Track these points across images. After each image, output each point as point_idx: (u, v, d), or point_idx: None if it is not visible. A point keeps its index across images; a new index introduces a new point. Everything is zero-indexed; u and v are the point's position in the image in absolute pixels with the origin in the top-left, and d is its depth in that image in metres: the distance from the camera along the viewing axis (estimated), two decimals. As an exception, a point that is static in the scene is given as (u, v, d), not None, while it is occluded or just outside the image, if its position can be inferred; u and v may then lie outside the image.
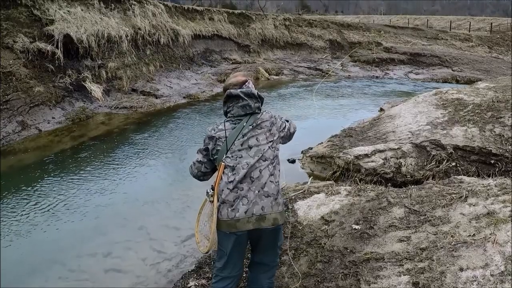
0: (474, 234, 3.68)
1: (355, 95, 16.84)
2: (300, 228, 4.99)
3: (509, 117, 7.37)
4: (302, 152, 8.95)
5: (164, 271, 5.03)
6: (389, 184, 6.57)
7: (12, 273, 4.94)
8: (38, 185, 7.41)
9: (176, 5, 22.16)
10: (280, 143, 3.74)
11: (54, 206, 6.59)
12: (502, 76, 15.28)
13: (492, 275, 3.11)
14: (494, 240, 3.46)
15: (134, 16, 17.14)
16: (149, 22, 17.66)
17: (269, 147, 3.47)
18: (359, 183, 6.53)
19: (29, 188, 7.27)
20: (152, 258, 5.28)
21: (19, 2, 12.94)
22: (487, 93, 8.88)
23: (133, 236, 5.78)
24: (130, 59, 15.86)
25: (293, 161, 8.58)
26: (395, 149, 7.32)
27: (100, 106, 13.16)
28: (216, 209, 3.33)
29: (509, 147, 6.76)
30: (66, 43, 13.22)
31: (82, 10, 14.71)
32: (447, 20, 55.45)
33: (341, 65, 24.17)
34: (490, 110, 7.84)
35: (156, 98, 14.82)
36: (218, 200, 3.36)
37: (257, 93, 3.63)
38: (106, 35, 14.84)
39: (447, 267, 3.38)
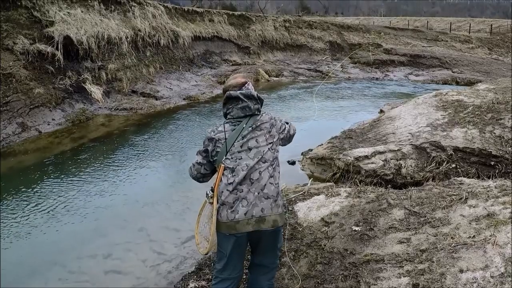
0: (474, 236, 3.68)
1: (355, 96, 16.84)
2: (300, 229, 4.99)
3: (509, 119, 7.37)
4: (302, 153, 8.95)
5: (164, 272, 5.03)
6: (389, 185, 6.57)
7: (12, 275, 4.93)
8: (38, 187, 7.41)
9: (176, 6, 22.17)
10: (279, 145, 3.74)
11: (54, 208, 6.59)
12: (502, 78, 15.29)
13: (492, 277, 3.11)
14: (494, 242, 3.46)
15: (134, 17, 17.16)
16: (149, 24, 17.68)
17: (268, 148, 3.47)
18: (359, 184, 6.53)
19: (29, 190, 7.27)
20: (152, 260, 5.28)
21: (19, 3, 12.95)
22: (487, 95, 8.88)
23: (133, 238, 5.78)
24: (130, 61, 15.86)
25: (293, 163, 8.58)
26: (395, 150, 7.32)
27: (100, 107, 13.17)
28: (216, 210, 3.33)
29: (509, 148, 6.76)
30: (66, 45, 13.23)
31: (82, 11, 14.72)
32: (447, 22, 55.53)
33: (341, 67, 24.18)
34: (490, 111, 7.84)
35: (156, 99, 14.83)
36: (217, 202, 3.36)
37: (257, 94, 3.63)
38: (106, 36, 14.85)
39: (447, 269, 3.38)
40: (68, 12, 14.19)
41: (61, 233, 5.91)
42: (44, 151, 9.46)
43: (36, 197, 6.98)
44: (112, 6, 16.51)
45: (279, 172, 3.55)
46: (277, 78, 21.07)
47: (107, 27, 15.19)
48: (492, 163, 6.71)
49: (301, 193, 6.03)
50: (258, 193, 3.31)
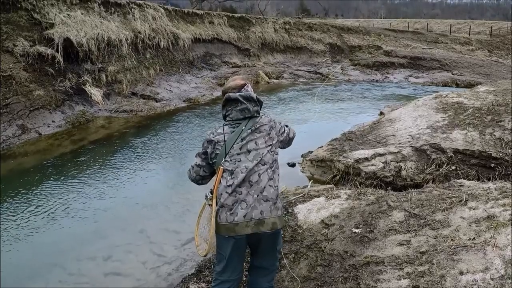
0: (474, 238, 3.68)
1: (355, 98, 16.85)
2: (300, 231, 4.99)
3: (509, 121, 7.38)
4: (302, 155, 8.95)
5: (164, 274, 5.03)
6: (389, 187, 6.57)
7: (12, 276, 4.93)
8: (38, 189, 7.41)
9: (176, 8, 22.19)
10: (279, 147, 3.74)
11: (54, 210, 6.59)
12: (502, 80, 15.32)
13: (492, 279, 3.11)
14: (494, 244, 3.46)
15: (134, 19, 17.16)
16: (149, 26, 17.68)
17: (268, 151, 3.47)
18: (359, 186, 6.52)
19: (29, 192, 7.26)
20: (152, 262, 5.28)
21: (19, 5, 12.96)
22: (487, 97, 8.89)
23: (133, 240, 5.78)
24: (130, 63, 15.86)
25: (293, 165, 8.58)
26: (395, 152, 7.32)
27: (100, 109, 13.16)
28: (215, 212, 3.34)
29: (509, 150, 6.76)
30: (66, 47, 13.23)
31: (82, 13, 14.72)
32: (447, 24, 55.57)
33: (341, 69, 24.19)
34: (490, 113, 7.85)
35: (156, 101, 14.83)
36: (217, 204, 3.36)
37: (256, 96, 3.63)
38: (106, 38, 14.85)
39: (447, 271, 3.38)
40: (68, 14, 14.19)
41: (61, 235, 5.91)
42: (44, 153, 9.45)
43: (36, 199, 6.98)
44: (112, 8, 16.52)
45: (278, 175, 3.55)
46: (277, 80, 21.07)
47: (107, 29, 15.19)
48: (492, 165, 6.71)
49: (301, 195, 6.03)
50: (258, 196, 3.31)
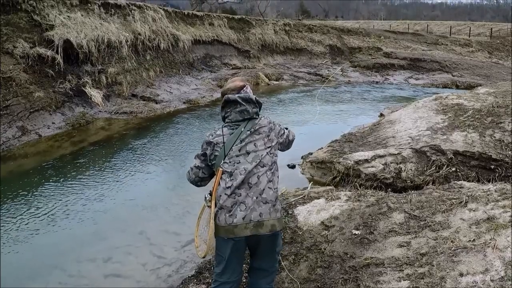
0: (474, 240, 3.68)
1: (355, 100, 16.85)
2: (300, 233, 4.99)
3: (509, 123, 7.38)
4: (302, 157, 8.95)
5: (164, 276, 5.02)
6: (389, 189, 6.57)
7: (12, 278, 4.93)
8: (38, 191, 7.41)
9: (176, 10, 22.22)
10: (278, 149, 3.74)
11: (54, 212, 6.58)
12: (502, 82, 15.31)
13: (492, 280, 3.11)
14: (494, 246, 3.46)
15: (134, 21, 17.18)
16: (149, 28, 17.69)
17: (267, 153, 3.47)
18: (359, 188, 6.51)
19: (29, 194, 7.26)
20: (152, 263, 5.28)
21: (19, 7, 12.96)
22: (487, 99, 8.89)
23: (133, 241, 5.77)
24: (130, 64, 15.87)
25: (293, 166, 8.58)
26: (395, 154, 7.32)
27: (100, 111, 13.17)
28: (214, 214, 3.34)
29: (509, 152, 6.76)
30: (66, 48, 13.24)
31: (82, 15, 14.74)
32: (447, 26, 55.61)
33: (341, 71, 24.20)
34: (490, 115, 7.85)
35: (156, 103, 14.83)
36: (216, 206, 3.36)
37: (255, 98, 3.63)
38: (106, 40, 14.86)
39: (447, 272, 3.38)
40: (68, 16, 14.21)
41: (61, 237, 5.91)
42: (44, 155, 9.45)
43: (36, 201, 6.98)
44: (112, 10, 16.53)
45: (278, 177, 3.55)
46: (277, 82, 21.07)
47: (107, 31, 15.21)
48: (492, 166, 6.71)
49: (301, 196, 6.02)
50: (257, 198, 3.31)
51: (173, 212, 6.68)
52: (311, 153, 8.95)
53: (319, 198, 5.83)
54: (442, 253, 3.65)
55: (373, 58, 26.44)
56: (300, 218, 5.33)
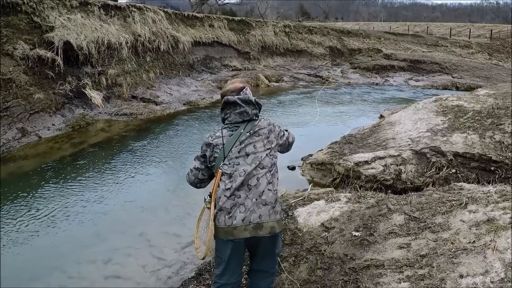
0: (474, 241, 3.68)
1: (355, 102, 16.86)
2: (300, 235, 4.99)
3: (509, 124, 7.38)
4: (302, 159, 8.95)
5: (164, 278, 5.02)
6: (389, 191, 6.57)
7: (12, 279, 4.93)
8: (38, 192, 7.41)
9: (176, 12, 22.23)
10: (278, 151, 3.73)
11: (54, 213, 6.58)
12: (502, 83, 15.29)
13: (492, 282, 3.11)
14: (494, 247, 3.46)
15: (134, 23, 17.18)
16: (149, 29, 17.70)
17: (266, 154, 3.46)
18: (359, 190, 6.52)
19: (29, 195, 7.26)
20: (152, 265, 5.27)
21: (19, 9, 12.96)
22: (487, 100, 8.89)
23: (133, 243, 5.77)
24: (130, 66, 15.88)
25: (293, 168, 8.58)
26: (395, 156, 7.32)
27: (100, 113, 13.17)
28: (213, 216, 3.34)
29: (509, 154, 6.76)
30: (66, 50, 13.24)
31: (82, 17, 14.74)
32: (447, 27, 55.63)
33: (341, 72, 24.21)
34: (490, 117, 7.85)
35: (156, 105, 14.84)
36: (215, 207, 3.36)
37: (255, 99, 3.63)
38: (106, 42, 14.87)
39: (447, 274, 3.38)
40: (68, 18, 14.21)
41: (61, 238, 5.91)
42: (44, 157, 9.45)
43: (36, 203, 6.97)
44: (112, 11, 16.54)
45: (277, 179, 3.55)
46: (277, 83, 21.09)
47: (107, 32, 15.21)
48: (492, 168, 6.71)
49: (301, 198, 6.02)
50: (256, 200, 3.31)
51: (173, 214, 6.68)
52: (311, 155, 8.95)
53: (319, 200, 5.83)
54: (442, 254, 3.65)
55: (373, 60, 26.44)
56: (300, 220, 5.32)
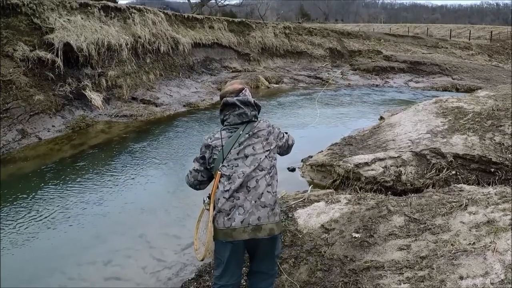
0: (474, 243, 3.68)
1: (355, 103, 16.86)
2: (300, 236, 4.99)
3: (509, 126, 7.38)
4: (302, 160, 8.95)
5: (164, 279, 5.02)
6: (389, 192, 6.56)
7: (12, 280, 4.92)
8: (38, 194, 7.40)
9: (176, 13, 22.25)
10: (277, 153, 3.73)
11: (54, 215, 6.58)
12: (502, 85, 15.30)
13: (492, 284, 3.11)
14: (494, 249, 3.46)
15: (134, 24, 17.19)
16: (149, 31, 17.71)
17: (265, 156, 3.46)
18: (359, 191, 6.51)
19: (28, 197, 7.26)
20: (152, 266, 5.27)
21: (19, 10, 12.98)
22: (487, 102, 8.89)
23: (133, 244, 5.77)
24: (130, 68, 15.88)
25: (293, 170, 8.58)
26: (395, 157, 7.32)
27: (100, 114, 13.17)
28: (212, 217, 3.33)
29: (509, 155, 6.75)
30: (66, 52, 13.25)
31: (82, 18, 14.76)
32: (447, 29, 55.73)
33: (341, 74, 24.21)
34: (490, 118, 7.85)
35: (156, 106, 14.84)
36: (214, 209, 3.36)
37: (254, 101, 3.62)
38: (106, 43, 14.87)
39: (447, 276, 3.37)
40: (68, 19, 14.23)
41: (61, 240, 5.90)
42: (44, 158, 9.45)
43: (35, 204, 6.97)
44: (112, 13, 16.56)
45: (276, 181, 3.54)
46: (277, 85, 21.10)
47: (107, 34, 15.22)
48: (492, 170, 6.71)
49: (301, 200, 6.02)
50: (255, 202, 3.31)
51: (173, 215, 6.68)
52: (311, 156, 8.95)
53: (319, 201, 5.82)
54: (442, 256, 3.65)
55: (373, 61, 26.44)
56: (300, 221, 5.32)
